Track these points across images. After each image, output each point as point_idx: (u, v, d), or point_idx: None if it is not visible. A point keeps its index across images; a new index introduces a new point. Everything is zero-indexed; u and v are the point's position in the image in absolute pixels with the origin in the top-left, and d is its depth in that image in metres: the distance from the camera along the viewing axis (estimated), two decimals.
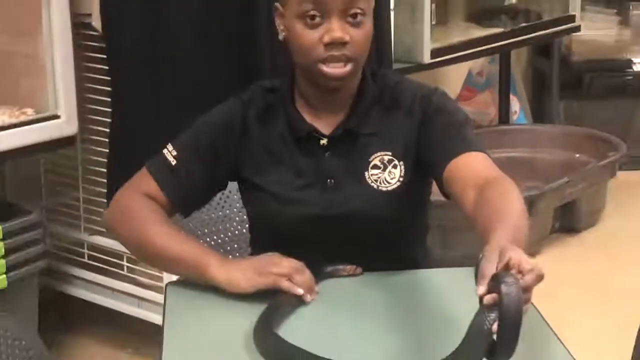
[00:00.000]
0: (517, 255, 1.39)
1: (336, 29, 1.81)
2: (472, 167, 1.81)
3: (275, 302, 1.72)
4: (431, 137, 1.88)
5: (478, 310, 1.36)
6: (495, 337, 1.33)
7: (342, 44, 1.81)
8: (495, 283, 1.34)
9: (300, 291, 1.74)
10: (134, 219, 1.91)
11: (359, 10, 1.82)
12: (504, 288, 1.31)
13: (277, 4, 1.88)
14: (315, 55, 1.83)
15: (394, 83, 1.96)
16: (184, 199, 1.95)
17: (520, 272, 1.37)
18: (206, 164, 1.93)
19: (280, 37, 1.90)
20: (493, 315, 1.33)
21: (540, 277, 1.40)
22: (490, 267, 1.39)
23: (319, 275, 1.84)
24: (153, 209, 1.91)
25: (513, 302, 1.30)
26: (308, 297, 1.75)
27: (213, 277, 1.79)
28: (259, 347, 1.58)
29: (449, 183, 1.82)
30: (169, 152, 1.94)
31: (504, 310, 1.30)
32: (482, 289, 1.37)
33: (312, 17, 1.81)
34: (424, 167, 1.90)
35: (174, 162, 1.93)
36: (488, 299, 1.35)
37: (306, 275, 1.77)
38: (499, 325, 1.32)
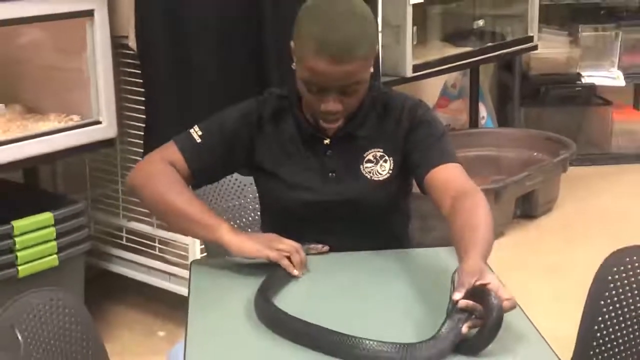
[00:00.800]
0: (495, 283, 1.45)
1: (330, 103, 1.77)
2: (448, 177, 1.81)
3: (272, 276, 1.72)
4: (415, 145, 1.87)
5: (451, 312, 1.43)
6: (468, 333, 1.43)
7: (336, 112, 1.79)
8: (479, 294, 1.43)
9: (295, 272, 1.73)
10: (159, 182, 1.85)
11: (353, 88, 1.77)
12: (493, 300, 1.41)
13: (292, 43, 1.80)
14: (313, 111, 1.82)
15: (384, 93, 1.95)
16: (202, 171, 1.91)
17: (498, 297, 1.43)
18: (226, 147, 1.91)
19: (293, 66, 1.83)
20: (464, 318, 1.42)
21: (513, 306, 1.47)
22: (469, 281, 1.45)
23: None
24: (176, 176, 1.86)
25: (498, 311, 1.40)
26: (300, 274, 1.75)
27: (224, 239, 1.76)
28: (258, 315, 1.59)
29: (428, 188, 1.83)
30: (195, 132, 1.90)
31: (492, 316, 1.40)
32: (459, 295, 1.43)
33: (313, 89, 1.77)
34: (408, 168, 1.90)
35: (199, 140, 1.89)
36: (462, 303, 1.42)
37: (302, 255, 1.77)
38: (484, 325, 1.41)
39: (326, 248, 1.87)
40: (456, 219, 1.68)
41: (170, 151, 1.89)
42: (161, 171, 1.86)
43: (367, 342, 1.42)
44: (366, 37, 1.75)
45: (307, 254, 1.83)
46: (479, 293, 1.44)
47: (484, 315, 1.42)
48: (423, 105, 1.93)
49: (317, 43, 1.71)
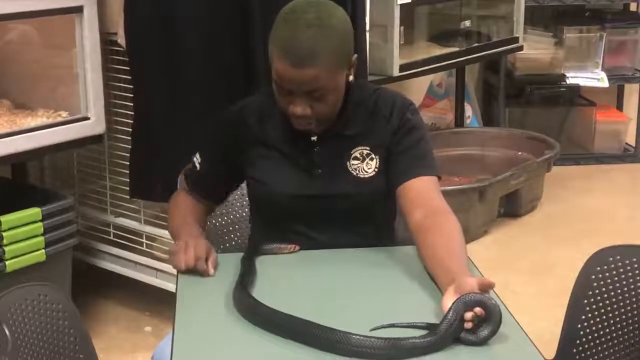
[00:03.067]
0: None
1: (298, 106, 1.78)
2: (422, 190, 1.85)
3: (245, 271, 1.73)
4: (398, 151, 1.89)
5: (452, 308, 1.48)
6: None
7: (304, 116, 1.80)
8: (476, 302, 1.48)
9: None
10: (172, 207, 2.05)
11: (319, 93, 1.77)
12: (493, 303, 1.49)
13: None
14: (286, 113, 1.83)
15: (374, 90, 1.95)
16: (210, 194, 2.03)
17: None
18: (223, 162, 1.98)
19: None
20: (457, 320, 1.47)
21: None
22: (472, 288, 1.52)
23: (260, 251, 1.85)
24: (182, 202, 2.02)
25: (500, 312, 1.49)
26: (211, 272, 1.77)
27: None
28: (241, 312, 1.59)
29: (400, 197, 1.87)
30: (197, 159, 2.01)
31: (496, 316, 1.48)
32: (469, 314, 1.48)
33: (282, 92, 1.79)
34: (387, 169, 1.91)
35: (198, 168, 2.00)
36: (469, 316, 1.47)
37: (198, 266, 1.77)
38: (487, 324, 1.48)
39: (297, 247, 1.87)
40: (434, 237, 1.73)
41: (184, 182, 2.05)
42: (176, 199, 2.06)
43: (355, 336, 1.42)
44: (330, 47, 1.75)
45: (276, 253, 1.84)
46: (478, 301, 1.48)
47: (487, 315, 1.47)
48: (413, 108, 1.94)
49: (281, 46, 1.75)
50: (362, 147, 1.90)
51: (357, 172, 1.89)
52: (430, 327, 1.49)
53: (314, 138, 1.89)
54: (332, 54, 1.75)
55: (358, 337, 1.42)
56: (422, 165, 1.87)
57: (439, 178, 1.90)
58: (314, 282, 1.76)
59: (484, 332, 1.47)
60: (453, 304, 1.49)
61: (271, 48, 1.78)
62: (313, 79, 1.74)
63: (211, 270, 1.77)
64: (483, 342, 1.47)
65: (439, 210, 1.80)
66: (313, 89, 1.76)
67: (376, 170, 1.89)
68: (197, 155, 2.01)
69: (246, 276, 1.71)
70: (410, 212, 1.82)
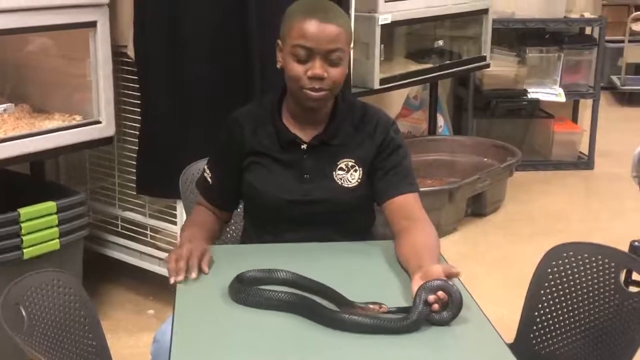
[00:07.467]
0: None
1: (317, 67, 1.79)
2: (407, 205, 1.86)
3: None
4: (383, 170, 1.89)
5: (418, 302, 1.48)
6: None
7: (321, 78, 1.80)
8: (441, 287, 1.49)
9: (171, 279, 1.69)
10: (186, 222, 2.02)
11: (336, 55, 1.80)
12: (455, 289, 1.50)
13: (279, 40, 1.86)
14: (301, 83, 1.81)
15: (361, 105, 1.95)
16: (226, 202, 2.01)
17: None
18: (227, 171, 1.95)
19: (278, 65, 1.87)
20: (427, 309, 1.48)
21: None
22: (438, 275, 1.54)
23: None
24: (195, 215, 2.00)
25: (460, 296, 1.50)
26: (193, 275, 1.69)
27: None
28: (230, 294, 1.61)
29: (387, 209, 1.88)
30: (207, 173, 1.99)
31: (457, 299, 1.49)
32: (432, 297, 1.49)
33: (302, 56, 1.79)
34: (372, 183, 1.91)
35: (210, 181, 1.98)
36: (432, 299, 1.48)
37: (190, 262, 1.72)
38: (451, 306, 1.49)
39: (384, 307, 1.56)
40: (414, 237, 1.76)
41: (200, 197, 2.03)
42: (192, 213, 2.04)
43: (347, 316, 1.46)
44: (344, 17, 1.84)
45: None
46: (441, 287, 1.50)
47: (450, 299, 1.48)
48: (395, 127, 1.95)
49: (306, 10, 1.80)
50: (348, 159, 1.90)
51: (342, 181, 1.89)
52: (400, 311, 1.50)
53: (304, 146, 1.89)
54: (347, 22, 1.84)
55: (347, 316, 1.46)
56: (406, 182, 1.89)
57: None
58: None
59: (447, 313, 1.48)
60: (418, 290, 1.49)
61: (291, 23, 1.80)
62: (336, 36, 1.78)
63: (205, 269, 1.71)
64: (446, 322, 1.48)
65: (420, 220, 1.83)
66: (334, 48, 1.78)
67: (359, 180, 1.89)
68: (207, 169, 1.99)
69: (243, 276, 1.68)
70: (396, 223, 1.84)
